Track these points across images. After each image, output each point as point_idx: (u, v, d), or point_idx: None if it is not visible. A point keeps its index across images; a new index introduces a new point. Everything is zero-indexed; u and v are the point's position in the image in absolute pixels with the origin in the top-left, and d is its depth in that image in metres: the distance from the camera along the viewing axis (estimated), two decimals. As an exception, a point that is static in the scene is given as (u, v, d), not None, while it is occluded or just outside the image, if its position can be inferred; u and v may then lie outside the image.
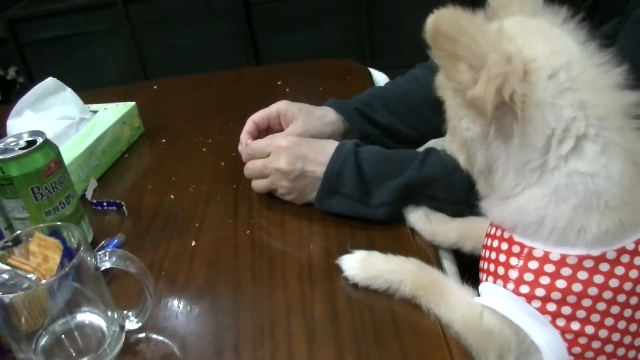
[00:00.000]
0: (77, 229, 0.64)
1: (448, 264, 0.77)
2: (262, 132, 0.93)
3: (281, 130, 0.92)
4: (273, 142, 0.85)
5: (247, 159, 0.88)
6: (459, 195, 0.77)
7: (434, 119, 1.01)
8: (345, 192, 0.80)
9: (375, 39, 2.76)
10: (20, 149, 0.75)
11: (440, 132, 1.04)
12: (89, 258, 0.62)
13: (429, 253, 0.76)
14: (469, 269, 0.80)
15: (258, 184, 0.87)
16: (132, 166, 1.06)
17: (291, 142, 0.84)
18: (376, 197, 0.79)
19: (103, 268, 0.63)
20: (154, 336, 0.67)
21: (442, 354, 0.61)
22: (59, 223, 0.67)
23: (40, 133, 0.78)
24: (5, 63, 3.07)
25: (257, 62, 2.79)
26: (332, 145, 0.83)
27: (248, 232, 0.82)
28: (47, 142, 0.77)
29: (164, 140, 1.12)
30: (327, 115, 0.93)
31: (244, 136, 0.92)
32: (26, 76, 2.93)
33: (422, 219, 0.78)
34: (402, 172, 0.78)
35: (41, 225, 0.67)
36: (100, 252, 0.63)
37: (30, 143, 0.76)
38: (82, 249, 0.61)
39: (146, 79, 2.47)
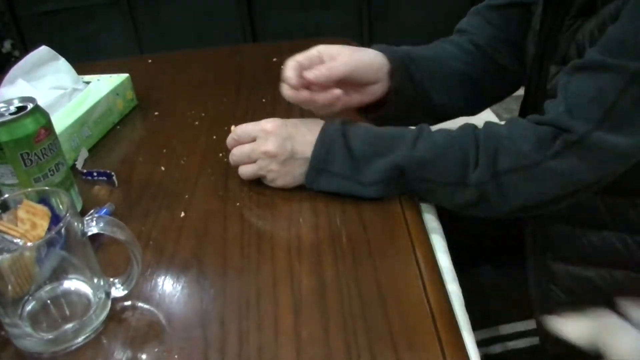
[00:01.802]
0: (66, 194, 0.64)
1: (438, 238, 0.77)
2: (305, 69, 0.85)
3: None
4: (258, 126, 0.83)
5: (233, 144, 0.86)
6: (451, 176, 0.77)
7: (457, 93, 0.99)
8: (335, 170, 0.79)
9: (373, 20, 2.74)
10: (11, 114, 0.75)
11: (458, 109, 1.02)
12: (76, 223, 0.61)
13: (418, 230, 0.76)
14: (458, 244, 0.80)
15: (245, 170, 0.85)
16: (124, 138, 1.05)
17: (277, 124, 0.82)
18: (367, 175, 0.78)
19: (90, 233, 0.62)
20: (140, 305, 0.67)
21: (428, 327, 0.61)
22: (46, 188, 0.67)
23: (31, 99, 0.77)
24: (1, 36, 3.05)
25: (254, 40, 2.78)
26: (318, 124, 0.82)
27: (238, 204, 0.82)
28: (37, 108, 0.76)
29: (156, 113, 1.11)
30: (371, 51, 0.90)
31: (292, 72, 0.84)
32: (22, 49, 2.91)
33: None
34: (392, 150, 0.78)
35: (29, 189, 0.67)
36: (87, 218, 0.63)
37: (20, 109, 0.76)
38: (69, 212, 0.60)
39: (141, 55, 2.45)
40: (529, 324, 0.99)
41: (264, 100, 1.09)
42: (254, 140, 0.83)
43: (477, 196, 0.76)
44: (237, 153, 0.85)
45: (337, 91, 0.84)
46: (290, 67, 0.85)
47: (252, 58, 1.34)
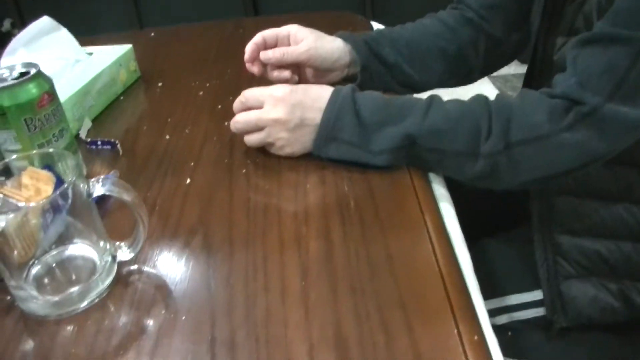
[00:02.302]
0: (71, 156, 0.63)
1: (446, 206, 0.76)
2: (268, 48, 0.93)
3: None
4: (267, 91, 0.82)
5: (240, 108, 0.85)
6: (463, 146, 0.76)
7: (437, 69, 1.01)
8: (344, 138, 0.78)
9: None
10: (13, 79, 0.74)
11: (441, 83, 1.04)
12: (82, 184, 0.60)
13: (427, 196, 0.75)
14: (463, 218, 0.79)
15: (252, 138, 0.83)
16: (127, 109, 1.05)
17: (286, 90, 0.81)
18: (376, 144, 0.78)
19: (96, 194, 0.62)
20: (146, 269, 0.67)
21: (438, 290, 0.61)
22: (51, 150, 0.66)
23: (33, 65, 0.76)
24: (1, 15, 3.03)
25: (256, 14, 2.75)
26: (327, 90, 0.81)
27: (244, 171, 0.81)
28: (40, 74, 0.75)
29: (160, 84, 1.10)
30: (336, 41, 0.93)
31: (250, 47, 0.92)
32: (21, 28, 2.88)
33: None
34: (404, 119, 0.77)
35: (35, 151, 0.66)
36: (93, 180, 0.62)
37: (23, 74, 0.75)
38: (75, 173, 0.59)
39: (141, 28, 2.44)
40: (536, 295, 0.98)
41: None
42: (261, 106, 0.81)
43: (489, 167, 0.75)
44: (243, 120, 0.83)
45: (286, 74, 0.94)
46: (252, 42, 0.93)
47: (256, 31, 1.32)
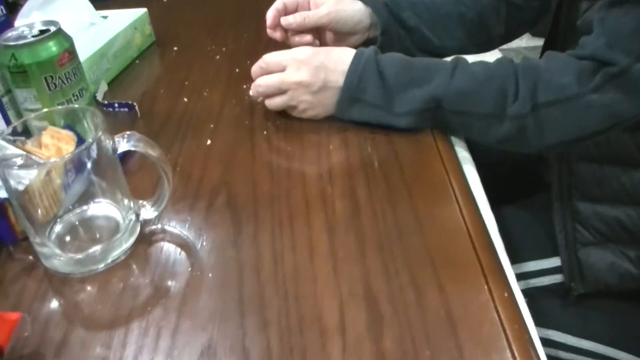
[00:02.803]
0: (96, 111, 0.62)
1: (470, 168, 0.75)
2: (289, 13, 0.92)
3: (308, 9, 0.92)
4: (289, 54, 0.81)
5: (259, 73, 0.83)
6: (490, 108, 0.74)
7: (457, 34, 0.99)
8: (368, 99, 0.77)
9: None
10: (33, 37, 0.73)
11: (462, 50, 1.02)
12: (107, 140, 0.59)
13: (451, 158, 0.74)
14: (491, 178, 0.79)
15: (275, 101, 0.82)
16: (143, 72, 1.03)
17: (309, 53, 0.80)
18: (400, 105, 0.76)
19: (121, 150, 0.61)
20: (169, 228, 0.66)
21: (468, 249, 0.60)
22: (77, 106, 0.65)
23: (53, 22, 0.75)
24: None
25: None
26: (350, 52, 0.80)
27: (265, 133, 0.80)
28: (60, 31, 0.74)
29: (175, 49, 1.09)
30: (356, 4, 0.92)
31: (272, 13, 0.90)
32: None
33: None
34: (429, 81, 0.76)
35: (60, 107, 0.65)
36: (117, 136, 0.61)
37: (43, 32, 0.74)
38: (100, 129, 0.58)
39: None
40: (554, 262, 0.98)
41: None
42: (283, 70, 0.80)
43: (515, 130, 0.74)
44: (264, 83, 0.81)
45: (308, 38, 0.94)
46: (273, 7, 0.92)
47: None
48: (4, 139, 0.61)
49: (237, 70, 0.97)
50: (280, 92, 0.81)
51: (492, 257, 0.60)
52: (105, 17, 1.08)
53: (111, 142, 0.60)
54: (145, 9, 1.10)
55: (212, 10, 1.26)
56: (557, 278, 0.96)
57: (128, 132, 0.61)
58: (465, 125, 0.78)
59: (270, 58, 0.81)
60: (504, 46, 1.12)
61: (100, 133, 0.58)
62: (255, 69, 0.83)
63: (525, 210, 1.04)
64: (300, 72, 0.78)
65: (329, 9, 0.90)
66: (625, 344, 0.88)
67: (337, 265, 0.59)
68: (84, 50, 0.93)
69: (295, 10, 0.93)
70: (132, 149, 0.60)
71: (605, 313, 0.93)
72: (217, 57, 1.03)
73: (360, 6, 0.93)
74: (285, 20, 0.92)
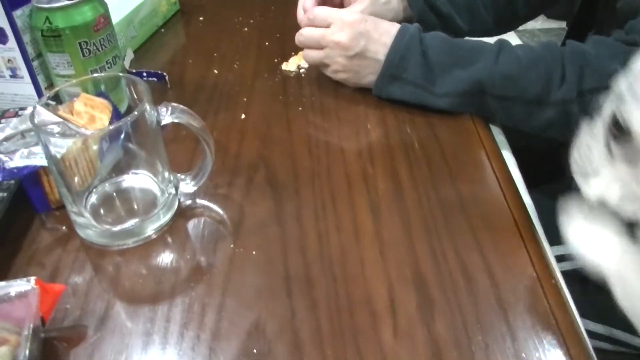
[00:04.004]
0: (141, 80, 0.60)
1: (507, 153, 0.74)
2: (321, 4, 0.88)
3: (340, 7, 0.87)
4: (337, 13, 0.79)
5: (306, 24, 0.82)
6: (534, 93, 0.73)
7: (487, 19, 0.97)
8: (408, 78, 0.76)
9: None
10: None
11: (487, 32, 1.00)
12: (151, 111, 0.58)
13: (490, 142, 0.73)
14: (531, 166, 0.78)
15: (311, 54, 0.82)
16: (169, 41, 1.01)
17: (356, 17, 0.78)
18: (441, 86, 0.75)
19: (164, 123, 0.59)
20: (209, 204, 0.65)
21: (514, 235, 0.59)
22: (121, 74, 0.63)
23: (88, -15, 0.73)
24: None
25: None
26: (395, 27, 0.78)
27: (300, 109, 0.79)
28: (96, -5, 0.72)
29: (201, 19, 1.06)
30: (391, 2, 0.88)
31: (306, 4, 0.87)
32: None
33: None
34: (472, 63, 0.74)
35: (103, 74, 0.63)
36: (161, 107, 0.59)
37: (76, -5, 0.72)
38: (145, 99, 0.57)
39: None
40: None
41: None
42: (328, 26, 0.79)
43: (558, 116, 0.73)
44: (306, 34, 0.81)
45: None
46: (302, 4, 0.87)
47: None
48: (43, 106, 0.60)
49: (267, 43, 0.95)
50: (319, 46, 0.80)
51: (536, 243, 0.60)
52: (129, -17, 1.05)
53: (155, 114, 0.58)
54: (171, -24, 1.07)
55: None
56: (577, 264, 0.96)
57: (172, 104, 0.59)
58: (507, 110, 0.76)
59: (319, 11, 0.80)
60: (520, 27, 1.10)
61: (145, 105, 0.56)
62: (302, 18, 0.83)
63: (550, 195, 1.03)
64: (342, 33, 0.77)
65: (365, 7, 0.86)
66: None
67: (383, 248, 0.57)
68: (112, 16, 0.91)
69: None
70: (176, 120, 0.59)
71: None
72: (245, 29, 1.01)
73: (394, 5, 0.90)
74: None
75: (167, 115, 0.59)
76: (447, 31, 0.94)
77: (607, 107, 0.54)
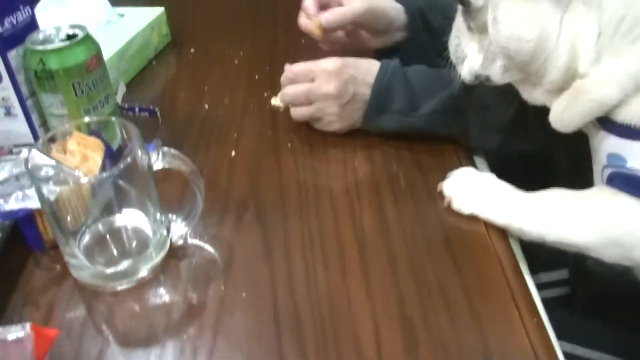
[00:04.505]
0: (132, 125, 0.61)
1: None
2: (322, 9, 0.89)
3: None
4: (317, 66, 0.80)
5: (289, 82, 0.82)
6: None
7: None
8: (395, 108, 0.78)
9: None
10: (61, 41, 0.72)
11: None
12: (143, 156, 0.59)
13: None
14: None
15: (301, 112, 0.82)
16: (161, 74, 1.03)
17: (338, 64, 0.78)
18: (424, 108, 0.77)
19: (156, 168, 0.61)
20: (200, 243, 0.66)
21: (497, 272, 0.61)
22: (113, 118, 0.65)
23: (81, 27, 0.74)
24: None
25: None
26: (376, 65, 0.80)
27: (289, 145, 0.80)
28: (89, 37, 0.73)
29: (192, 50, 1.08)
30: (391, 2, 0.90)
31: (309, 3, 0.88)
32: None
33: None
34: (450, 86, 0.76)
35: (96, 118, 0.65)
36: (152, 152, 0.61)
37: (70, 37, 0.73)
38: (137, 145, 0.58)
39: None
40: (563, 274, 0.99)
41: (303, 41, 1.06)
42: (311, 80, 0.79)
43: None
44: (292, 93, 0.81)
45: (340, 34, 0.92)
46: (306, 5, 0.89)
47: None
48: (39, 149, 0.61)
49: (256, 76, 0.97)
50: (307, 102, 0.80)
51: (520, 281, 0.61)
52: (121, 15, 1.07)
53: (147, 159, 0.60)
54: (162, 9, 1.09)
55: (226, 9, 1.25)
56: (564, 290, 0.98)
57: (163, 149, 0.61)
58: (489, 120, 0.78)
59: (298, 69, 0.81)
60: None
61: (138, 151, 0.58)
62: (283, 79, 0.82)
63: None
64: (329, 85, 0.78)
65: (364, 3, 0.88)
66: (634, 355, 0.90)
67: (370, 284, 0.59)
68: (105, 51, 0.93)
69: (326, 3, 0.90)
70: (167, 166, 0.61)
71: (613, 323, 0.94)
72: (236, 61, 1.03)
73: (395, 4, 0.91)
74: (323, 19, 0.88)
75: (158, 160, 0.61)
76: (438, 49, 0.95)
77: None
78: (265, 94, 0.91)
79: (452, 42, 0.70)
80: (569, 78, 0.57)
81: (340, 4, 0.89)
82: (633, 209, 0.57)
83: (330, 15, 0.87)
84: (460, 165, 0.76)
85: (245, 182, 0.74)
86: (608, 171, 0.60)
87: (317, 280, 0.60)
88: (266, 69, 0.97)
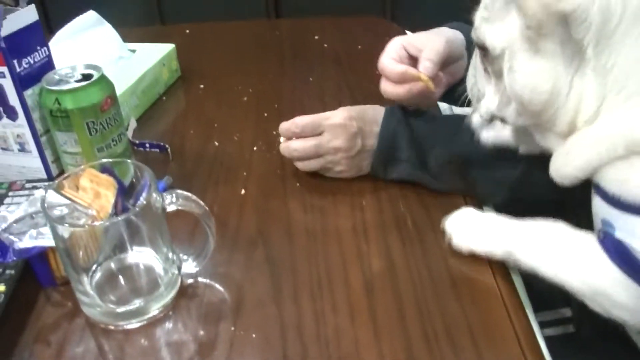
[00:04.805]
0: (146, 168, 0.63)
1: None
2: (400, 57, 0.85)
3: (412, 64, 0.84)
4: (323, 119, 0.80)
5: (290, 136, 0.81)
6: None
7: None
8: (402, 157, 0.79)
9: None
10: (77, 81, 0.74)
11: None
12: (157, 198, 0.61)
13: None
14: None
15: (310, 164, 0.82)
16: (170, 109, 1.05)
17: (344, 117, 0.79)
18: (430, 160, 0.78)
19: (169, 210, 0.62)
20: (210, 282, 0.67)
21: (502, 315, 0.62)
22: (129, 160, 0.67)
23: (96, 67, 0.76)
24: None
25: (277, 16, 2.72)
26: (380, 111, 0.82)
27: (298, 185, 0.82)
28: (103, 77, 0.76)
29: (202, 86, 1.10)
30: (458, 38, 0.87)
31: (392, 67, 0.83)
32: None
33: None
34: (455, 137, 0.77)
35: (109, 159, 0.67)
36: (166, 194, 0.62)
37: (85, 76, 0.75)
38: (152, 187, 0.60)
39: (162, 24, 2.41)
40: (565, 312, 0.99)
41: (310, 79, 1.08)
42: (319, 134, 0.80)
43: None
44: (301, 149, 0.80)
45: (441, 75, 0.85)
46: (390, 63, 0.83)
47: (292, 33, 1.33)
48: (54, 189, 0.63)
49: (265, 114, 0.99)
50: (317, 155, 0.81)
51: (525, 324, 0.62)
52: (133, 51, 1.09)
53: (160, 201, 0.61)
54: (173, 45, 1.11)
55: (234, 45, 1.27)
56: (568, 328, 0.98)
57: (176, 191, 0.62)
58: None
59: (303, 122, 0.80)
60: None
61: (153, 195, 0.59)
62: (285, 131, 0.82)
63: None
64: (338, 140, 0.78)
65: (434, 39, 0.85)
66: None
67: (377, 328, 0.60)
68: (117, 87, 0.95)
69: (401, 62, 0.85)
70: (180, 208, 0.62)
71: (614, 356, 0.95)
72: (245, 98, 1.04)
73: (447, 29, 0.89)
74: (425, 68, 0.82)
75: (171, 202, 0.62)
76: None
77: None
78: (274, 132, 0.92)
79: (469, 80, 0.71)
80: (573, 132, 0.59)
81: (420, 51, 0.85)
82: (615, 274, 0.58)
83: (427, 62, 0.82)
84: (466, 205, 0.77)
85: (254, 221, 0.75)
86: (602, 232, 0.61)
87: (326, 322, 0.61)
88: (274, 106, 0.99)
